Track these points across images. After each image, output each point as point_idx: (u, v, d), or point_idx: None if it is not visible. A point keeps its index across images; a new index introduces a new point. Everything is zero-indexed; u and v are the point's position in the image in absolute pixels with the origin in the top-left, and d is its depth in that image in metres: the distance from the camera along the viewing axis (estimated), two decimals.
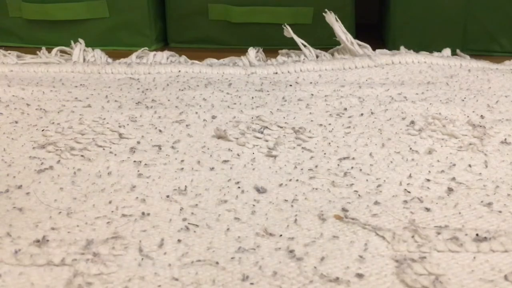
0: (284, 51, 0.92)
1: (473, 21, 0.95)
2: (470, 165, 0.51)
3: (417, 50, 0.89)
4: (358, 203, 0.44)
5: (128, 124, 0.61)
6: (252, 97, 0.70)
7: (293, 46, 0.90)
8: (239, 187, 0.46)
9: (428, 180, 0.48)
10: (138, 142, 0.56)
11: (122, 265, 0.36)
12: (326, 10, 0.90)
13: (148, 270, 0.35)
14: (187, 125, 0.61)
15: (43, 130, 0.59)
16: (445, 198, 0.45)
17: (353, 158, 0.52)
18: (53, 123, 0.61)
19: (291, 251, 0.37)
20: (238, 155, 0.53)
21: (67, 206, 0.43)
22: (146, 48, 0.94)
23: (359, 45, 0.89)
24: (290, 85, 0.75)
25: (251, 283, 0.34)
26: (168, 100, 0.69)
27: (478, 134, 0.57)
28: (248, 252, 0.37)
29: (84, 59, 0.88)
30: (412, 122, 0.61)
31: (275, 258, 0.36)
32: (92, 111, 0.65)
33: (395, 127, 0.60)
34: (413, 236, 0.39)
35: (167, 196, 0.45)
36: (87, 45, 0.92)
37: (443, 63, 0.84)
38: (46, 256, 0.37)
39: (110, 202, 0.44)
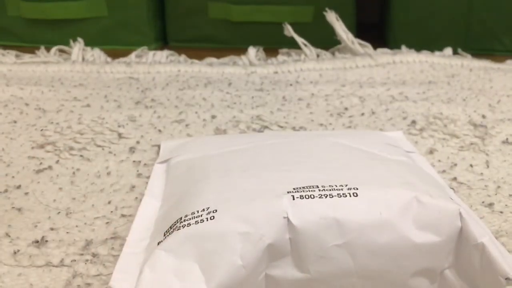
0: (284, 50, 0.91)
1: (475, 20, 0.94)
2: (471, 165, 0.50)
3: (418, 49, 0.88)
4: None
5: (127, 124, 0.60)
6: (252, 97, 0.70)
7: (294, 45, 0.90)
8: None
9: None
10: (138, 142, 0.56)
11: None
12: (326, 8, 0.90)
13: None
14: (186, 125, 0.60)
15: (42, 130, 0.58)
16: None
17: None
18: (52, 122, 0.61)
19: None
20: None
21: (66, 206, 0.43)
22: (146, 47, 0.93)
23: (360, 44, 0.89)
24: (291, 85, 0.75)
25: None
26: (168, 100, 0.69)
27: (479, 134, 0.57)
28: None
29: (83, 58, 0.87)
30: (413, 122, 0.60)
31: None
32: (91, 111, 0.64)
33: (396, 127, 0.59)
34: None
35: None
36: (86, 44, 0.91)
37: (445, 62, 0.83)
38: (45, 257, 0.37)
39: (109, 202, 0.44)
